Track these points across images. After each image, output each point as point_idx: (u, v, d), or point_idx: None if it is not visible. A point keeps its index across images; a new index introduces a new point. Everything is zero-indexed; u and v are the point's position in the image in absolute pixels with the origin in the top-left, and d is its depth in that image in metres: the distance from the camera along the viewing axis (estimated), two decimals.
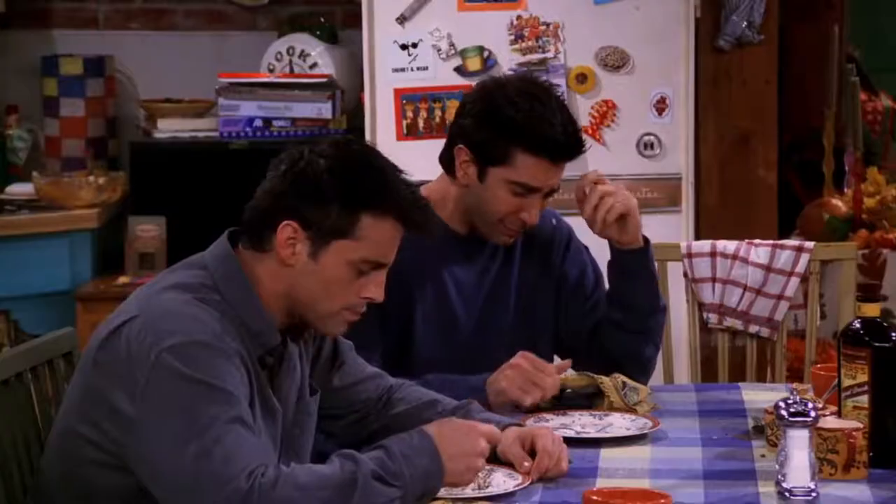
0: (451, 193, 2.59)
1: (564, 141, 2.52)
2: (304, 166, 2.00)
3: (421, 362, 2.53)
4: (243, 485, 1.84)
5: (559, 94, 2.61)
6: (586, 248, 2.73)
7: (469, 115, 2.55)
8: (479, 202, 2.56)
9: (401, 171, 2.06)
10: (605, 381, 2.46)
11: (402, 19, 3.78)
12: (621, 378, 2.47)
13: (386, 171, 2.04)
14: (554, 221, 2.72)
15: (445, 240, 2.56)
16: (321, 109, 4.10)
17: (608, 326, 2.63)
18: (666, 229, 3.73)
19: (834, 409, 2.28)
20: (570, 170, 2.63)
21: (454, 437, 1.95)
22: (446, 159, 2.59)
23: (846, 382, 2.23)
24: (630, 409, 2.44)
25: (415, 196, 2.04)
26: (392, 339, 2.53)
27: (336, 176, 1.99)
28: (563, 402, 2.48)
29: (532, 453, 2.14)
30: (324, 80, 4.15)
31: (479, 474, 2.09)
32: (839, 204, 4.11)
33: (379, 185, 2.01)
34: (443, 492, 2.05)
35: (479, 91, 2.59)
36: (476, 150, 2.53)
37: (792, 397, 2.07)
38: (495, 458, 2.16)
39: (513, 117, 2.50)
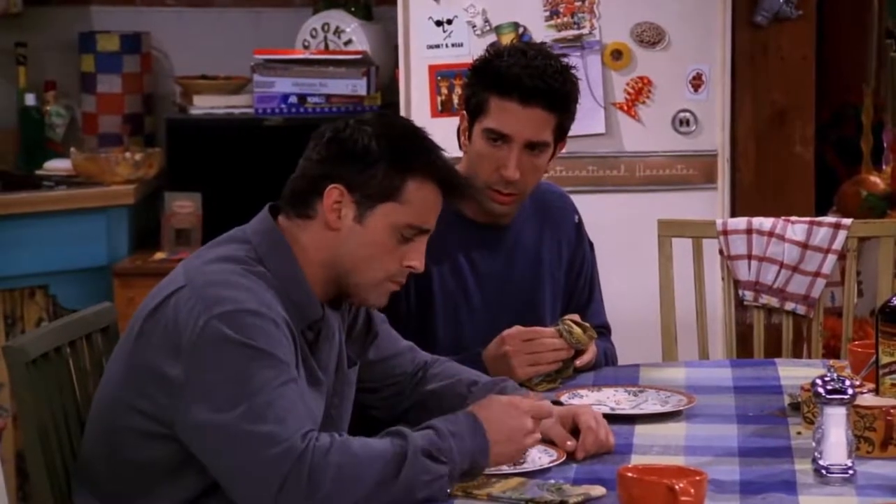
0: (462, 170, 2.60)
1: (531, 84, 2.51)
2: (349, 133, 2.04)
3: (439, 344, 2.54)
4: (299, 444, 1.85)
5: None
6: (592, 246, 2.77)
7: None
8: (471, 165, 2.56)
9: (439, 147, 2.10)
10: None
11: None
12: (567, 325, 2.51)
13: (427, 140, 2.09)
14: (576, 218, 2.74)
15: (461, 225, 2.59)
16: (356, 86, 4.11)
17: None
18: (701, 206, 3.71)
19: (871, 386, 2.27)
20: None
21: (500, 419, 1.97)
22: (458, 133, 2.63)
23: (884, 360, 2.22)
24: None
25: (452, 165, 2.10)
26: (412, 322, 2.54)
27: (382, 140, 2.03)
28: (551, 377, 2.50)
29: (573, 432, 2.14)
30: (358, 56, 4.15)
31: None
32: (877, 181, 4.07)
33: (423, 151, 2.06)
34: None
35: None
36: (467, 108, 2.57)
37: (829, 374, 2.06)
38: None
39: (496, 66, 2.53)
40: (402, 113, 3.75)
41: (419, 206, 2.04)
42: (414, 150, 2.05)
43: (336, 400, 2.14)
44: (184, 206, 4.05)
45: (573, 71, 2.58)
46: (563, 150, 2.67)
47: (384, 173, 2.02)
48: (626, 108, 3.79)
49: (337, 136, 2.05)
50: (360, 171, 2.02)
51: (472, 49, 3.75)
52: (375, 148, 2.02)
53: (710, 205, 3.76)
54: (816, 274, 3.08)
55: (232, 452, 1.87)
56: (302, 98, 4.12)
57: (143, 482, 2.00)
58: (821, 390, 2.05)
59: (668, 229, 3.12)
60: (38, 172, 4.11)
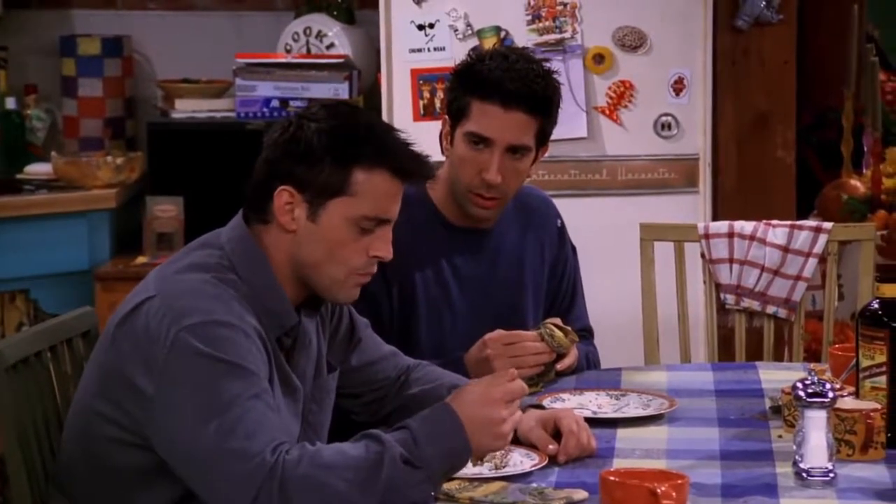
0: (443, 178, 2.60)
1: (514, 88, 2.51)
2: (294, 130, 2.02)
3: (421, 348, 2.54)
4: (268, 458, 1.84)
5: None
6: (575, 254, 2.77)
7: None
8: (453, 169, 2.57)
9: (395, 130, 2.06)
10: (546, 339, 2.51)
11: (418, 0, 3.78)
12: (549, 328, 2.51)
13: (375, 126, 2.05)
14: (558, 222, 2.75)
15: (443, 229, 2.59)
16: (338, 90, 4.10)
17: None
18: (683, 210, 3.72)
19: (852, 389, 2.28)
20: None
21: (476, 410, 1.93)
22: (441, 137, 2.62)
23: (864, 363, 2.23)
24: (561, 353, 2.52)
25: (407, 147, 2.04)
26: (395, 327, 2.53)
27: (325, 134, 2.00)
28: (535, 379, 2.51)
29: (555, 436, 2.14)
30: (340, 60, 4.15)
31: (497, 453, 2.09)
32: (858, 184, 4.09)
33: (368, 139, 2.01)
34: (461, 471, 2.05)
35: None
36: (449, 112, 2.57)
37: (809, 377, 2.07)
38: (515, 440, 2.17)
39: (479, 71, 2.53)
40: (385, 117, 3.75)
41: (372, 197, 1.99)
42: (358, 140, 2.00)
43: (314, 406, 2.13)
44: (165, 211, 4.04)
45: (555, 75, 2.59)
46: (546, 154, 2.68)
47: (329, 168, 1.98)
48: (608, 111, 3.79)
49: (283, 134, 2.02)
50: (306, 169, 1.99)
51: (455, 53, 3.76)
52: (318, 143, 1.99)
53: (691, 208, 3.77)
54: (797, 277, 3.09)
55: (205, 468, 1.87)
56: (284, 102, 4.12)
57: (120, 488, 1.99)
58: (801, 393, 2.05)
59: (650, 233, 3.12)
60: (19, 176, 4.09)
